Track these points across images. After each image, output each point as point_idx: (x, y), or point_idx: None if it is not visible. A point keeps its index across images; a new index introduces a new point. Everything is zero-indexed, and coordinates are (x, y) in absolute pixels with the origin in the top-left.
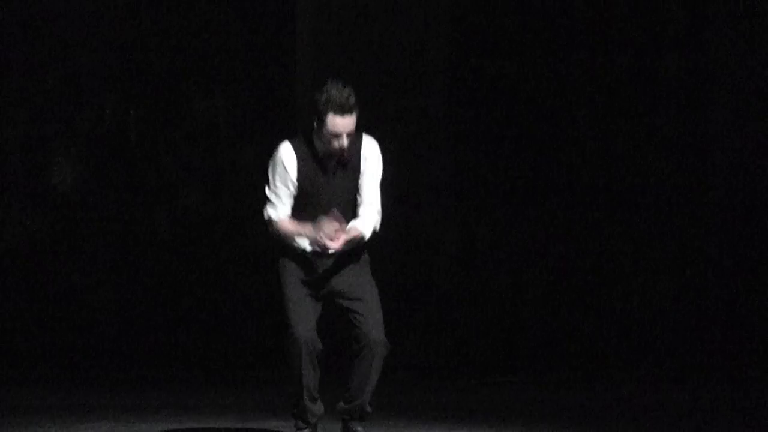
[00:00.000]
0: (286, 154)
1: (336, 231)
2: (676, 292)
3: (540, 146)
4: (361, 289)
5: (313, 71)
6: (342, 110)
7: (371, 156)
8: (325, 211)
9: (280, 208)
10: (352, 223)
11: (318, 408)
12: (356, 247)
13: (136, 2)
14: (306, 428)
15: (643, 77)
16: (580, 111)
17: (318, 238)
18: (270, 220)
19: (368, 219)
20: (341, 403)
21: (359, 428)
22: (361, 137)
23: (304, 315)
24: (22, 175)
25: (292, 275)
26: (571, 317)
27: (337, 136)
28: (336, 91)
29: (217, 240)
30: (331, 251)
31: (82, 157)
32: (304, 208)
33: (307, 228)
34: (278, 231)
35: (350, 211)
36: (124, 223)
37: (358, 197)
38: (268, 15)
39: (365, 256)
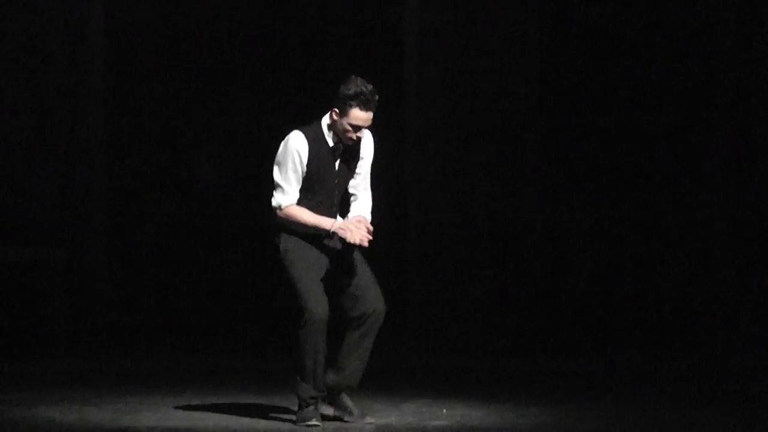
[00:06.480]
0: (299, 141)
1: (360, 229)
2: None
3: (628, 136)
4: (358, 266)
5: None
6: (367, 106)
7: (369, 144)
8: (327, 196)
9: (291, 194)
10: (361, 213)
11: (324, 383)
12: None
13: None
14: (313, 403)
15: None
16: (668, 106)
17: (338, 231)
18: (280, 207)
19: (368, 203)
20: (331, 375)
21: (349, 402)
22: None
23: (317, 291)
24: (166, 169)
25: (299, 254)
26: (659, 300)
27: (358, 128)
28: (364, 87)
29: None
30: (363, 244)
31: (222, 152)
32: (308, 191)
33: (324, 220)
34: (290, 217)
35: (340, 194)
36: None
37: (354, 182)
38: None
39: None
